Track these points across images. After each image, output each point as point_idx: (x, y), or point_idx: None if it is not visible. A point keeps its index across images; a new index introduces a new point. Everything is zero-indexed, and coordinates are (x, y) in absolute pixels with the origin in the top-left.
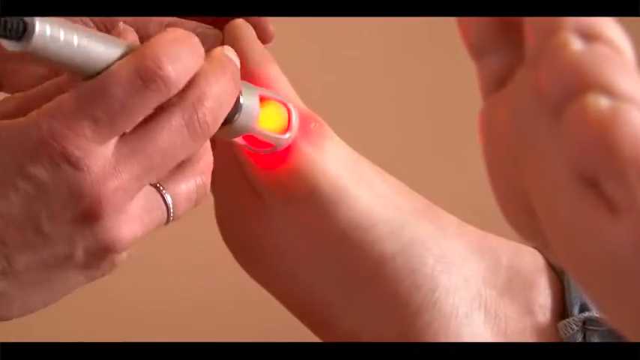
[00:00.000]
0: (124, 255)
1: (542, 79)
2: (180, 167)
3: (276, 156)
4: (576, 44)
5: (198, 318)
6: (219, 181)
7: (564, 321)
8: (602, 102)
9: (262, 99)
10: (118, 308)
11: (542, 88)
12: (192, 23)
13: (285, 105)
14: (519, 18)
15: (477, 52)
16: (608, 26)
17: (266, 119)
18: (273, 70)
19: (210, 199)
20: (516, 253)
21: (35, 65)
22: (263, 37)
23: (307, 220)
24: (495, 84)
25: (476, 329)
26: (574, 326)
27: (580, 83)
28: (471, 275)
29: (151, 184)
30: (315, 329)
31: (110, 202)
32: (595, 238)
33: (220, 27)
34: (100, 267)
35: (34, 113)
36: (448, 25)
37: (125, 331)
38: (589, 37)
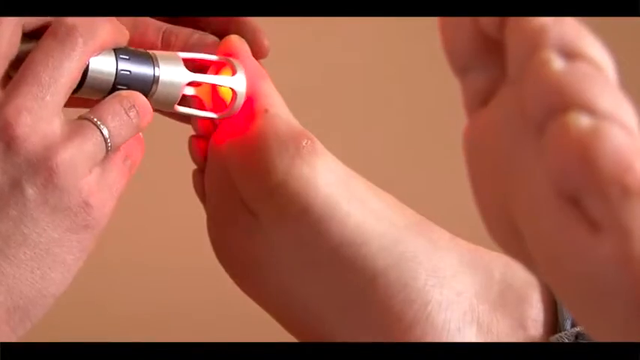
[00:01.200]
0: (93, 204)
1: (525, 97)
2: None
3: (269, 172)
4: (557, 63)
5: (199, 318)
6: (212, 198)
7: (557, 335)
8: (584, 120)
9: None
10: (118, 308)
11: (525, 106)
12: (189, 30)
13: (233, 68)
14: (500, 35)
15: (460, 69)
16: (590, 44)
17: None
18: (266, 86)
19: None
20: (508, 267)
21: None
22: (258, 53)
23: (300, 237)
24: (479, 101)
25: None
26: (566, 340)
27: (561, 101)
28: (464, 289)
29: (84, 118)
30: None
31: (18, 122)
32: (577, 255)
33: (217, 29)
34: (65, 205)
35: None
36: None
37: (125, 331)
38: (570, 55)
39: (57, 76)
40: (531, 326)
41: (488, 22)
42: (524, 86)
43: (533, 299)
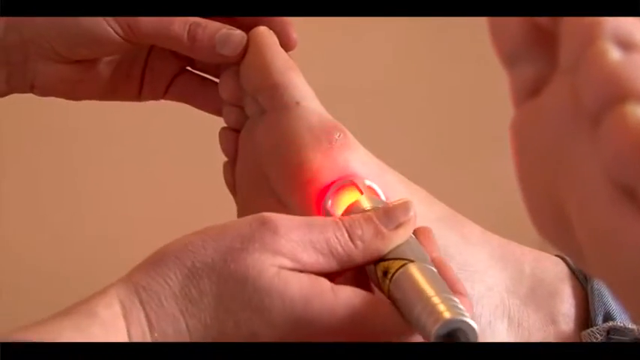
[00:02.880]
0: None
1: (580, 87)
2: None
3: (302, 165)
4: (614, 53)
5: None
6: (242, 190)
7: (588, 330)
8: None
9: None
10: None
11: (580, 96)
12: (216, 24)
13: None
14: (553, 26)
15: (510, 60)
16: None
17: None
18: (296, 79)
19: (221, 201)
20: (539, 262)
21: (62, 66)
22: (286, 44)
23: None
24: (528, 92)
25: (499, 338)
26: (598, 335)
27: (619, 92)
28: (495, 283)
29: None
30: None
31: None
32: (632, 247)
33: (242, 27)
34: None
35: None
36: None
37: None
38: (627, 45)
39: None
40: (562, 321)
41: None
42: (579, 76)
43: (564, 294)
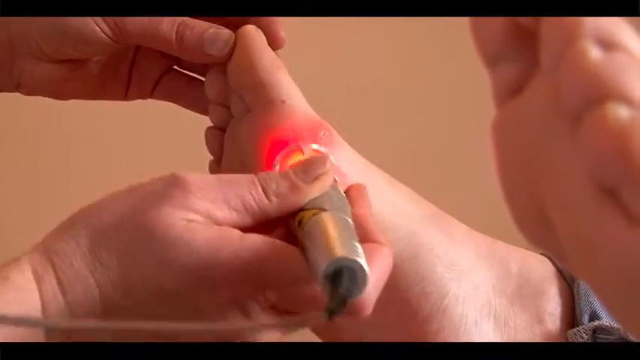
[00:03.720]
0: None
1: (560, 87)
2: None
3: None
4: (595, 52)
5: None
6: None
7: (574, 329)
8: (622, 111)
9: None
10: None
11: (560, 96)
12: (204, 24)
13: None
14: (534, 25)
15: (491, 59)
16: (627, 34)
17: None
18: (282, 77)
19: None
20: (526, 261)
21: (49, 65)
22: (274, 43)
23: None
24: (509, 92)
25: (485, 337)
26: (584, 335)
27: (599, 92)
28: (481, 283)
29: None
30: (322, 336)
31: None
32: (613, 248)
33: (229, 26)
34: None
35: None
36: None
37: None
38: (607, 45)
39: None
40: (548, 320)
41: None
42: (559, 76)
43: (550, 293)
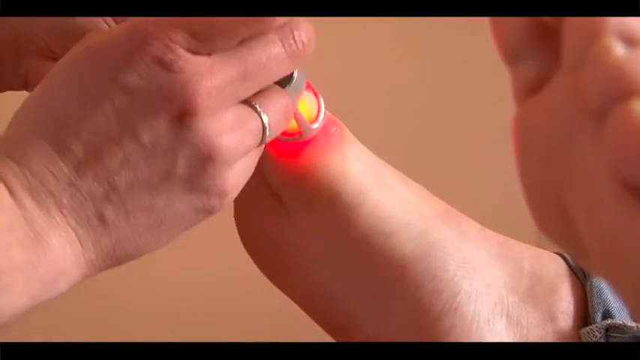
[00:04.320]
0: (229, 192)
1: (584, 84)
2: (270, 90)
3: (298, 159)
4: (619, 49)
5: (200, 318)
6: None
7: (587, 328)
8: None
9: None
10: (119, 308)
11: (584, 93)
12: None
13: (318, 97)
14: (556, 22)
15: (512, 56)
16: None
17: (302, 104)
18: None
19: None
20: (538, 259)
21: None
22: None
23: (328, 225)
24: (530, 89)
25: (497, 336)
26: (597, 333)
27: (624, 89)
28: (493, 281)
29: (246, 103)
30: (334, 334)
31: (204, 101)
32: (638, 247)
33: None
34: (205, 189)
35: (128, 23)
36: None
37: (126, 331)
38: (631, 41)
39: (267, 72)
40: (561, 319)
41: None
42: (582, 73)
43: (563, 291)
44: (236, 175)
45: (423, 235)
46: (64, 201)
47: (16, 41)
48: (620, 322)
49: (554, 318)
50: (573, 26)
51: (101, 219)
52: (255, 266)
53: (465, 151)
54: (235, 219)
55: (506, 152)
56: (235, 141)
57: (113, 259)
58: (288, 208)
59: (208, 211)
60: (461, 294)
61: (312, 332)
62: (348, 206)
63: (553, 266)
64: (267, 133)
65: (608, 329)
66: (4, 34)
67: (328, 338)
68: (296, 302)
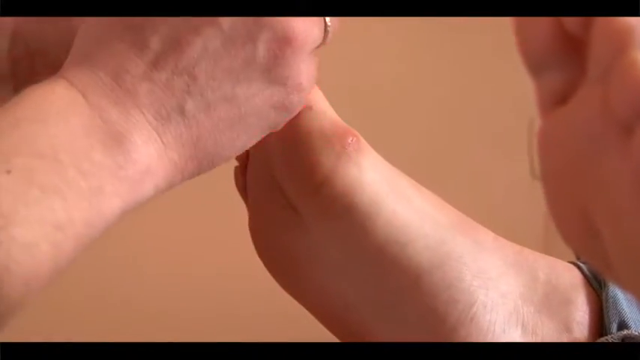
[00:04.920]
0: (305, 87)
1: (611, 96)
2: None
3: (314, 169)
4: None
5: (200, 318)
6: (253, 195)
7: (603, 338)
8: None
9: None
10: (119, 308)
11: (611, 105)
12: None
13: None
14: (582, 33)
15: (537, 68)
16: None
17: None
18: None
19: (231, 205)
20: (553, 269)
21: None
22: None
23: (344, 235)
24: (555, 100)
25: None
26: None
27: None
28: (508, 291)
29: None
30: (346, 341)
31: None
32: None
33: None
34: (284, 80)
35: None
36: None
37: (126, 331)
38: None
39: None
40: (576, 329)
41: (572, 21)
42: (610, 85)
43: (578, 301)
44: (309, 69)
45: (439, 244)
46: (143, 98)
47: (31, 58)
48: (637, 332)
49: (569, 328)
50: (600, 37)
51: (181, 112)
52: (255, 266)
53: (474, 157)
54: (250, 230)
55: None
56: (308, 27)
57: (195, 159)
58: (304, 218)
59: (286, 108)
60: (477, 304)
61: (312, 332)
62: (365, 216)
63: (568, 276)
64: (329, 31)
65: (623, 340)
66: (18, 51)
67: (328, 338)
68: (310, 311)
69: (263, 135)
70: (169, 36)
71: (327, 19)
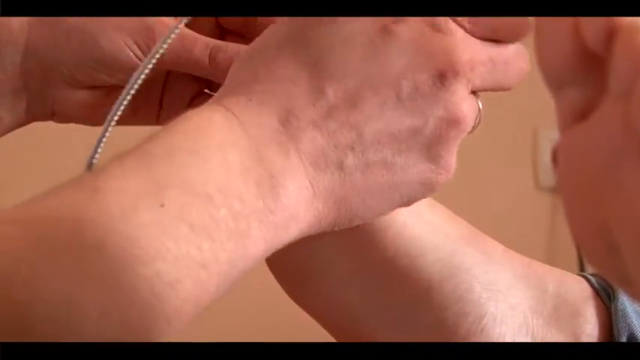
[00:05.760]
0: (452, 170)
1: (633, 114)
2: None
3: None
4: None
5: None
6: None
7: None
8: None
9: None
10: None
11: (633, 123)
12: (235, 46)
13: None
14: (604, 50)
15: (557, 83)
16: None
17: None
18: None
19: None
20: (562, 281)
21: (82, 92)
22: None
23: (354, 247)
24: (575, 116)
25: None
26: None
27: None
28: (518, 303)
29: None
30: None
31: (464, 68)
32: None
33: (243, 32)
34: (439, 158)
35: None
36: None
37: None
38: None
39: (506, 75)
40: (586, 341)
41: (593, 38)
42: (632, 103)
43: (587, 314)
44: (455, 154)
45: (450, 257)
46: (306, 144)
47: (43, 71)
48: None
49: (578, 340)
50: (622, 55)
51: (340, 167)
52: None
53: (478, 167)
54: None
55: (518, 169)
56: (472, 113)
57: (336, 214)
58: None
59: (431, 186)
60: (487, 316)
61: (312, 332)
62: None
63: (577, 288)
64: (479, 121)
65: None
66: (30, 65)
67: (328, 338)
68: (319, 322)
69: (397, 208)
70: (347, 88)
71: (480, 104)
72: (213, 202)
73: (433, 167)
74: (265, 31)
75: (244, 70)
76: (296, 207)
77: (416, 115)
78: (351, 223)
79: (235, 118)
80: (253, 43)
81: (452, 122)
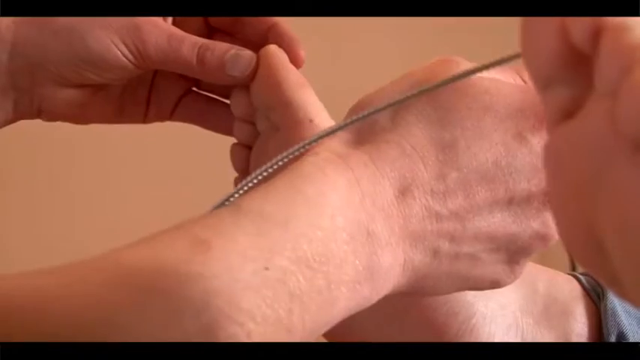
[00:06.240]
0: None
1: (619, 113)
2: None
3: None
4: None
5: None
6: None
7: None
8: None
9: None
10: None
11: (619, 121)
12: (224, 45)
13: None
14: (590, 48)
15: (544, 82)
16: None
17: None
18: (309, 96)
19: None
20: (552, 281)
21: (69, 90)
22: (294, 62)
23: None
24: (562, 115)
25: None
26: None
27: None
28: (508, 302)
29: None
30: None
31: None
32: None
33: (247, 45)
34: (512, 263)
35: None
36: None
37: None
38: None
39: None
40: (575, 340)
41: (579, 37)
42: (618, 102)
43: (577, 313)
44: None
45: None
46: (413, 223)
47: (31, 70)
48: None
49: (568, 340)
50: (608, 53)
51: (434, 253)
52: None
53: None
54: None
55: None
56: (556, 234)
57: (408, 287)
58: None
59: (497, 285)
60: (476, 316)
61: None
62: None
63: (567, 288)
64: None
65: None
66: (18, 64)
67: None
68: None
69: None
70: (468, 181)
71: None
72: (314, 272)
73: (508, 270)
74: (399, 81)
75: (372, 123)
76: (384, 283)
77: (517, 223)
78: (413, 294)
79: (357, 187)
80: (384, 90)
81: (542, 237)
